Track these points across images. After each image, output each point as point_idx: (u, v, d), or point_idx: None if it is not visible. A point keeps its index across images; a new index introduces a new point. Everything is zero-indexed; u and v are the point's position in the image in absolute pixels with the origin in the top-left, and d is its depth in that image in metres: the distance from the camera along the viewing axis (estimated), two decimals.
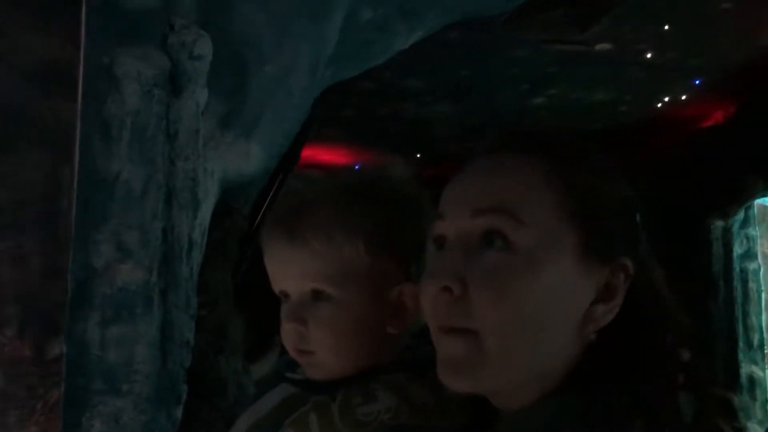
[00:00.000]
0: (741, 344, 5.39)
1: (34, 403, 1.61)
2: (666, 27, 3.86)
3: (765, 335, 5.54)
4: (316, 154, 5.90)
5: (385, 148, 6.19)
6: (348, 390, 0.85)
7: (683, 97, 5.05)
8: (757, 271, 5.53)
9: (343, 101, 4.65)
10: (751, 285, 5.48)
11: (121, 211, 1.76)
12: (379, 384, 0.85)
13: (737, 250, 5.52)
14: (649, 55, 4.31)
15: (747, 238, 5.55)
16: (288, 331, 0.88)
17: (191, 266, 1.92)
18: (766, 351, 5.57)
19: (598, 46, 4.12)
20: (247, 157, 2.20)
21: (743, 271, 5.49)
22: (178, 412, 1.94)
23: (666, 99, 5.10)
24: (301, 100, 2.35)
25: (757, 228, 5.62)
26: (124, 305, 1.73)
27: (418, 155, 6.27)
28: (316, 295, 0.86)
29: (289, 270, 0.87)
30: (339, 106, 4.77)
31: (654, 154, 5.60)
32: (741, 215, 5.52)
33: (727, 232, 5.52)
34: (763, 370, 5.44)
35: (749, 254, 5.56)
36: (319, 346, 0.86)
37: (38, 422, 1.61)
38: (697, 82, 4.78)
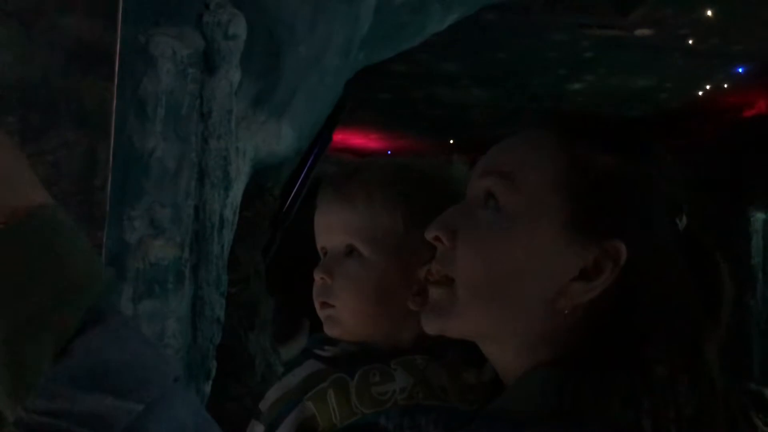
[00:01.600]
0: None
1: None
2: (708, 13, 3.76)
3: None
4: (348, 137, 5.91)
5: (419, 133, 6.18)
6: (366, 368, 0.87)
7: (725, 85, 4.94)
8: None
9: (377, 84, 4.65)
10: None
11: (155, 188, 1.79)
12: (397, 365, 0.87)
13: None
14: (690, 42, 4.21)
15: None
16: (316, 281, 0.92)
17: (222, 244, 1.94)
18: None
19: (638, 32, 4.04)
20: (279, 138, 2.22)
21: None
22: (207, 388, 1.98)
23: (708, 86, 4.99)
24: (333, 81, 2.35)
25: None
26: (156, 280, 1.77)
27: (451, 141, 6.24)
28: (349, 252, 0.90)
29: (331, 224, 0.92)
30: (373, 88, 4.76)
31: (694, 143, 5.50)
32: None
33: (767, 224, 5.41)
34: None
35: None
36: (339, 301, 0.90)
37: None
38: (739, 69, 4.66)
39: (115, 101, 1.82)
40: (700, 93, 5.08)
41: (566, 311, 0.65)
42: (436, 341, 0.87)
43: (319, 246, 0.95)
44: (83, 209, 2.04)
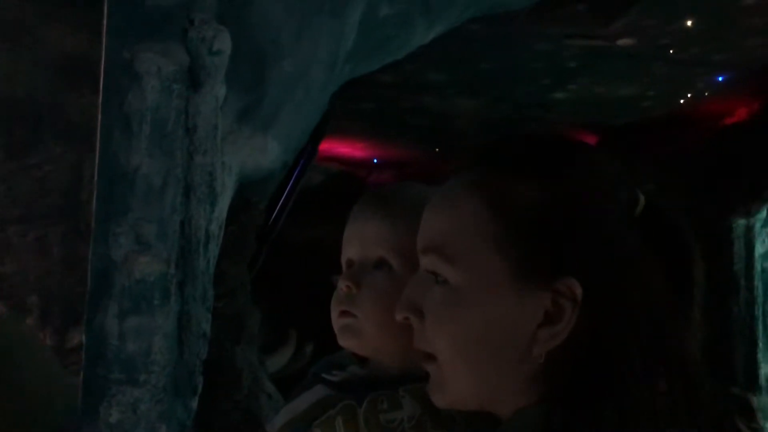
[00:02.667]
0: (760, 344, 5.33)
1: None
2: (689, 22, 3.81)
3: None
4: (334, 146, 5.92)
5: (405, 142, 6.20)
6: (374, 395, 0.88)
7: (706, 94, 4.99)
8: None
9: (363, 94, 4.66)
10: None
11: (140, 204, 1.79)
12: (406, 392, 0.87)
13: (759, 249, 5.46)
14: (671, 51, 4.26)
15: None
16: (340, 287, 0.92)
17: (208, 259, 1.94)
18: None
19: (621, 41, 4.08)
20: (265, 152, 2.22)
21: (765, 271, 5.43)
22: (194, 403, 1.97)
23: (689, 95, 5.05)
24: (319, 95, 2.36)
25: None
26: (142, 296, 1.77)
27: (437, 149, 6.27)
28: (379, 265, 0.91)
29: (366, 236, 0.93)
30: (358, 98, 4.78)
31: (676, 151, 5.55)
32: (763, 214, 5.46)
33: (749, 230, 5.46)
34: None
35: None
36: (363, 311, 0.90)
37: None
38: (720, 78, 4.72)
39: (100, 117, 1.83)
40: (682, 101, 5.13)
41: (540, 360, 0.65)
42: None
43: (345, 257, 0.95)
44: (69, 224, 2.04)
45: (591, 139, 6.06)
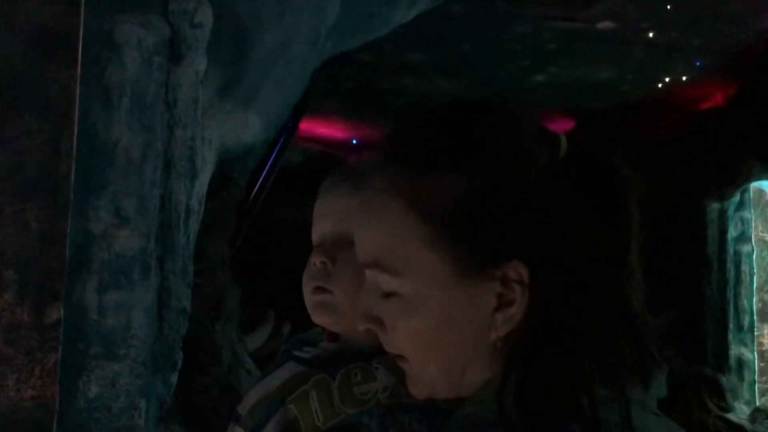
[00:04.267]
0: (731, 326, 5.43)
1: (32, 366, 1.64)
2: (668, 6, 3.84)
3: (755, 318, 5.59)
4: (313, 126, 5.89)
5: (384, 122, 6.18)
6: (348, 368, 0.87)
7: (684, 78, 5.04)
8: (750, 254, 5.56)
9: (343, 73, 4.63)
10: (744, 268, 5.51)
11: (120, 177, 1.78)
12: (379, 363, 0.87)
13: (732, 232, 5.54)
14: (651, 35, 4.29)
15: (742, 221, 5.57)
16: (313, 262, 0.90)
17: (188, 234, 1.93)
18: (756, 333, 5.62)
19: (601, 24, 4.10)
20: (245, 127, 2.21)
21: (737, 254, 5.52)
22: (174, 378, 1.97)
23: (667, 79, 5.09)
24: (300, 70, 2.34)
25: (752, 211, 5.64)
26: (121, 271, 1.75)
27: None
28: (352, 241, 0.89)
29: (338, 210, 0.90)
30: (338, 78, 4.75)
31: (654, 135, 5.60)
32: (737, 198, 5.54)
33: (722, 214, 5.54)
34: (752, 351, 5.50)
35: (743, 237, 5.58)
36: (339, 287, 0.88)
37: (35, 386, 1.64)
38: (698, 63, 4.76)
39: (78, 90, 1.80)
40: (660, 86, 5.17)
41: (498, 344, 0.65)
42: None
43: (317, 233, 0.93)
44: (47, 199, 2.01)
45: (569, 123, 6.09)
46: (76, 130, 1.79)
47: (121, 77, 1.78)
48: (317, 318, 0.91)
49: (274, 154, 2.65)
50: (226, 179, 2.27)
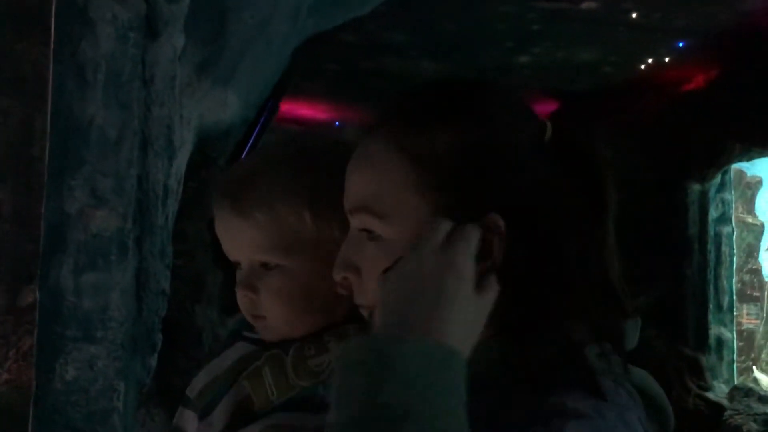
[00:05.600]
0: (711, 306, 5.50)
1: (6, 350, 1.60)
2: None
3: (734, 298, 5.66)
4: (295, 108, 5.84)
5: (367, 104, 6.14)
6: (301, 343, 0.87)
7: (666, 60, 5.04)
8: (730, 235, 5.62)
9: (325, 54, 4.58)
10: (724, 249, 5.57)
11: (95, 157, 1.73)
12: (331, 336, 0.87)
13: (713, 213, 5.59)
14: (634, 15, 4.28)
15: (722, 202, 5.62)
16: (241, 298, 0.89)
17: (166, 215, 1.90)
18: (735, 313, 5.69)
19: (584, 5, 4.09)
20: (224, 106, 2.17)
21: (717, 235, 5.57)
22: (153, 361, 1.95)
23: (650, 60, 5.09)
24: (281, 48, 2.30)
25: (732, 192, 5.69)
26: (98, 252, 1.72)
27: None
28: (266, 266, 0.87)
29: (237, 241, 0.89)
30: (320, 59, 4.70)
31: (636, 116, 5.62)
32: (718, 179, 5.58)
33: (703, 196, 5.58)
34: (731, 331, 5.57)
35: (724, 218, 5.63)
36: (270, 313, 0.88)
37: (11, 370, 1.61)
38: (680, 44, 4.77)
39: (52, 67, 1.75)
40: (642, 67, 5.18)
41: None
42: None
43: (230, 259, 0.91)
44: (20, 179, 1.96)
45: (552, 104, 6.09)
46: (49, 109, 1.75)
47: (96, 54, 1.73)
48: (266, 338, 0.90)
49: (254, 135, 2.62)
50: (205, 159, 2.24)
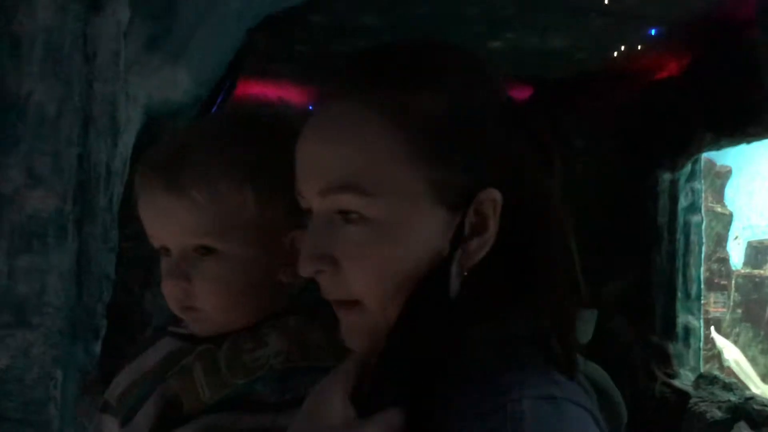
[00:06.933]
0: (679, 295, 5.52)
1: None
2: None
3: (701, 286, 5.69)
4: (266, 90, 5.74)
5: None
6: (237, 336, 0.79)
7: (639, 47, 5.02)
8: (699, 224, 5.64)
9: (295, 36, 4.50)
10: (693, 238, 5.59)
11: (32, 134, 1.66)
12: (269, 328, 0.79)
13: (682, 202, 5.61)
14: (606, 2, 4.24)
15: (692, 191, 5.63)
16: (171, 289, 0.79)
17: (110, 196, 1.83)
18: (702, 302, 5.73)
19: None
20: (174, 84, 2.09)
21: (686, 224, 5.59)
22: (97, 347, 1.88)
23: (622, 48, 5.07)
24: (235, 26, 2.23)
25: (702, 182, 5.71)
26: (34, 234, 1.64)
27: None
28: (201, 251, 0.78)
29: (169, 224, 0.78)
30: (290, 41, 4.61)
31: (609, 104, 5.60)
32: (688, 168, 5.59)
33: (673, 184, 5.59)
34: (698, 319, 5.61)
35: (693, 207, 5.65)
36: (206, 303, 0.79)
37: None
38: (653, 31, 4.74)
39: None
40: (615, 54, 5.15)
41: (465, 272, 0.62)
42: (307, 300, 0.80)
43: (156, 245, 0.81)
44: None
45: (525, 91, 6.06)
46: None
47: (33, 25, 1.65)
48: (198, 332, 0.80)
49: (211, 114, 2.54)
50: (154, 139, 2.16)
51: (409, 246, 0.62)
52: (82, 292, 1.76)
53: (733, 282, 6.57)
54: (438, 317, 0.60)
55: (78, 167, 1.71)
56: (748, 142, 4.99)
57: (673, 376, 5.31)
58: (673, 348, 5.40)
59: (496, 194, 0.61)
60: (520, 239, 0.62)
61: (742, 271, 6.89)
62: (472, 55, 0.68)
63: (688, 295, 5.56)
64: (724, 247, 6.39)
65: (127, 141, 1.92)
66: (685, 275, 5.55)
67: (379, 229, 0.61)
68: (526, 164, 0.63)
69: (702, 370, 5.53)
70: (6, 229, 1.63)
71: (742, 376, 6.37)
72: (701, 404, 4.97)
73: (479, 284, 0.62)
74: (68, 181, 1.69)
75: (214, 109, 2.51)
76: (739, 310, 6.94)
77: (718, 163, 6.22)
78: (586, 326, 0.67)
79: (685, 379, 5.33)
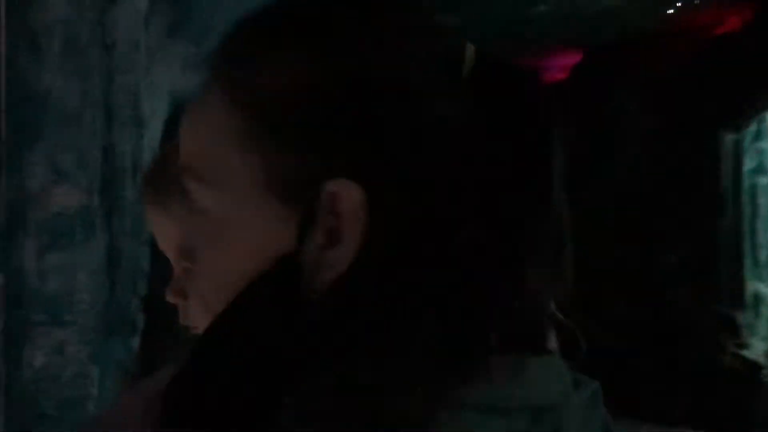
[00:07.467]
0: (747, 261, 5.28)
1: None
2: None
3: None
4: None
5: None
6: None
7: (696, 2, 4.76)
8: (766, 187, 5.37)
9: None
10: (760, 201, 5.32)
11: (55, 130, 1.63)
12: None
13: (748, 164, 5.34)
14: None
15: (758, 152, 5.35)
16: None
17: (138, 189, 1.79)
18: None
19: None
20: (199, 69, 2.03)
21: (753, 187, 5.32)
22: (135, 342, 1.86)
23: (678, 4, 4.81)
24: (256, 3, 2.15)
25: None
26: (62, 231, 1.62)
27: None
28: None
29: (162, 239, 0.80)
30: None
31: (665, 64, 5.34)
32: (753, 128, 5.31)
33: (737, 145, 5.33)
34: None
35: (760, 169, 5.38)
36: (201, 323, 0.79)
37: None
38: None
39: (3, 34, 1.63)
40: (670, 11, 4.90)
41: (327, 286, 0.46)
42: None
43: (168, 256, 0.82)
44: None
45: (574, 57, 5.83)
46: (3, 80, 1.64)
47: (48, 19, 1.61)
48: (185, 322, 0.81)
49: None
50: None
51: (237, 249, 0.49)
52: (115, 288, 1.74)
53: None
54: (261, 340, 0.45)
55: (103, 161, 1.68)
56: None
57: (743, 346, 5.09)
58: (742, 317, 5.18)
59: (352, 187, 0.45)
60: (413, 250, 0.45)
61: None
62: (392, 11, 0.51)
63: (756, 262, 5.31)
64: None
65: (154, 131, 1.88)
66: (753, 241, 5.30)
67: (207, 224, 0.50)
68: (446, 151, 0.47)
69: None
70: (33, 228, 1.61)
71: None
72: None
73: (344, 306, 0.45)
74: (93, 176, 1.66)
75: None
76: None
77: None
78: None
79: (756, 350, 5.10)
